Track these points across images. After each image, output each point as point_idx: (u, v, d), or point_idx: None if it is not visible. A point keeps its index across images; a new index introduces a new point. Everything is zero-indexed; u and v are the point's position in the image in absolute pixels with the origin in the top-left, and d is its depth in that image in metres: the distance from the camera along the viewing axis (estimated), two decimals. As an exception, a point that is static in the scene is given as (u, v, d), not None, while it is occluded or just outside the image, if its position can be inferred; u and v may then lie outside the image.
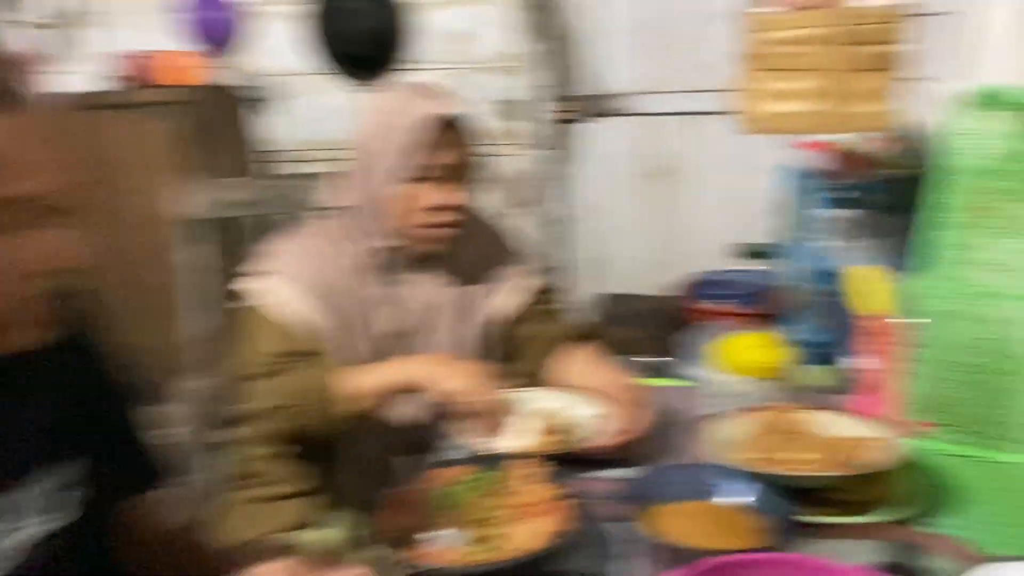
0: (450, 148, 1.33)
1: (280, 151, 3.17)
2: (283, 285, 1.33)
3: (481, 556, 0.99)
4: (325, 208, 1.43)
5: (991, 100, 1.13)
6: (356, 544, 1.17)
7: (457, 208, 1.34)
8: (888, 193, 2.23)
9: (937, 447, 1.24)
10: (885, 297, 1.51)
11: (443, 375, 1.25)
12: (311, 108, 3.09)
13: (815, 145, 2.36)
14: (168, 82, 2.76)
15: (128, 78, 2.76)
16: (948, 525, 1.07)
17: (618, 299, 3.10)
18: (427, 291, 1.43)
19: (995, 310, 1.20)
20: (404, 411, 1.40)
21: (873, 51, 1.84)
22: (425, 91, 1.37)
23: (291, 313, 1.32)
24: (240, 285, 1.37)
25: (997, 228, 1.17)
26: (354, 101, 1.36)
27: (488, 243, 1.51)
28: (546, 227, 3.18)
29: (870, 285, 1.52)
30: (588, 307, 3.23)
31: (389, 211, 1.34)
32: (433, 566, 0.95)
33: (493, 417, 1.26)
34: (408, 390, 1.28)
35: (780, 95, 1.89)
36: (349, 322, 1.37)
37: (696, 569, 0.82)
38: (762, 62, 1.89)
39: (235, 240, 2.38)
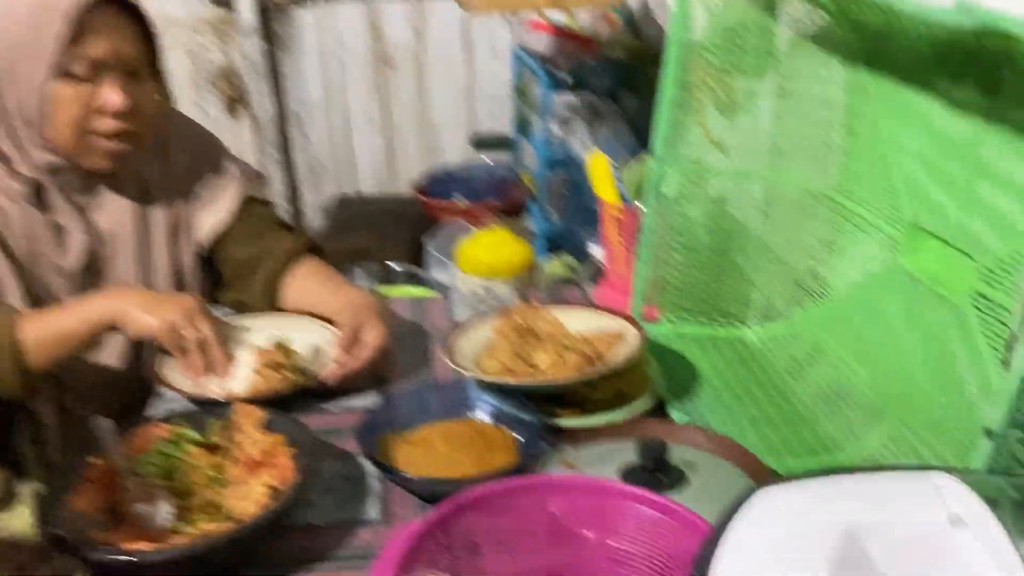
0: (118, 37, 1.10)
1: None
2: None
3: (198, 529, 0.84)
4: None
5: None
6: (45, 526, 0.97)
7: (133, 111, 1.11)
8: (615, 75, 2.23)
9: (673, 332, 1.25)
10: (617, 183, 1.48)
11: (141, 309, 1.06)
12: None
13: (542, 26, 2.30)
14: None
15: None
16: (693, 412, 1.07)
17: (349, 203, 2.94)
18: (115, 214, 1.21)
19: (713, 189, 1.20)
20: (100, 359, 1.19)
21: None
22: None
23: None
24: None
25: (712, 105, 1.15)
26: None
27: (189, 151, 1.31)
28: (261, 128, 2.92)
29: (606, 171, 1.48)
30: (315, 215, 3.04)
31: (44, 120, 1.08)
32: (136, 551, 0.79)
33: (205, 356, 1.09)
34: (100, 331, 1.09)
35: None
36: (21, 261, 1.14)
37: (448, 507, 0.74)
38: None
39: None
